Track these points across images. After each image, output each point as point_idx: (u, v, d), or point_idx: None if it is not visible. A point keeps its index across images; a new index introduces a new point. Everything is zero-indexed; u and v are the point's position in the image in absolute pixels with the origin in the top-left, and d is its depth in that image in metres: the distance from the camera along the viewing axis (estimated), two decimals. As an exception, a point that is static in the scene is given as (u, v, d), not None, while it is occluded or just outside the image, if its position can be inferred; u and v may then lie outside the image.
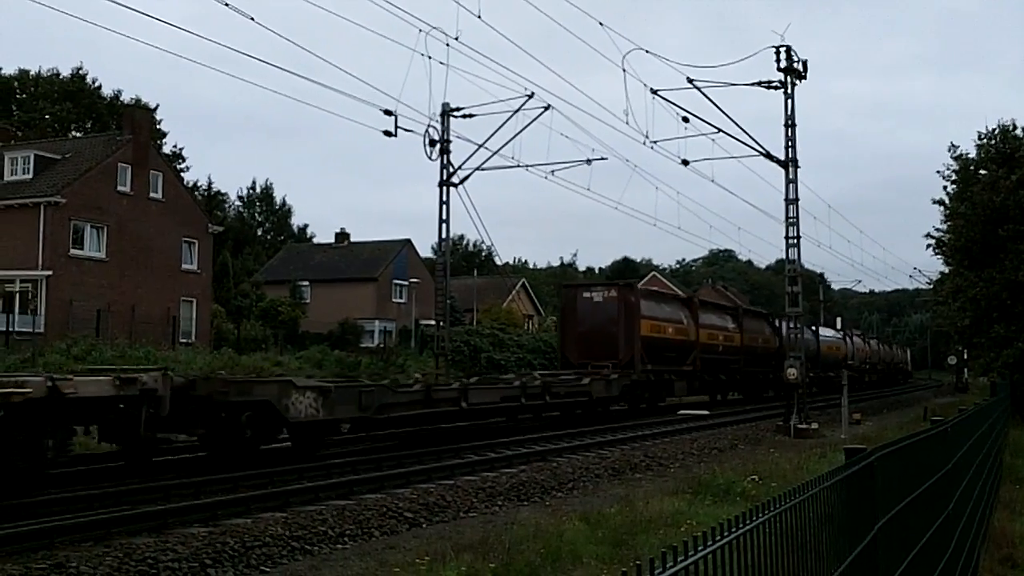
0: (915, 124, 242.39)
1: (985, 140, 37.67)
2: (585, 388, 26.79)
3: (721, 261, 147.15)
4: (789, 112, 29.38)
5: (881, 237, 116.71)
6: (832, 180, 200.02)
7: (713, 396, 41.59)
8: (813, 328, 53.28)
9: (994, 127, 37.65)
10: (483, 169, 32.15)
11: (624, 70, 27.91)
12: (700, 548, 2.81)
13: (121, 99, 70.46)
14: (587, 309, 31.65)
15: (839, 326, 73.20)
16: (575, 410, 27.57)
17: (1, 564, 8.75)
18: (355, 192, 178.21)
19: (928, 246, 41.36)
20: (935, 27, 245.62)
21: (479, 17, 24.55)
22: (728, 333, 40.03)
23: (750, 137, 29.80)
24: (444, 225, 32.41)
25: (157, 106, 71.18)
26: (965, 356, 64.15)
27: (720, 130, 29.69)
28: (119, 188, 44.06)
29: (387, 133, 27.73)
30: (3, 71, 71.43)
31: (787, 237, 29.74)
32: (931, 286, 57.06)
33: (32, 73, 71.17)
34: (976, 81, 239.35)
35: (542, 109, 30.93)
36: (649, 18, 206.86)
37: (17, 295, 40.29)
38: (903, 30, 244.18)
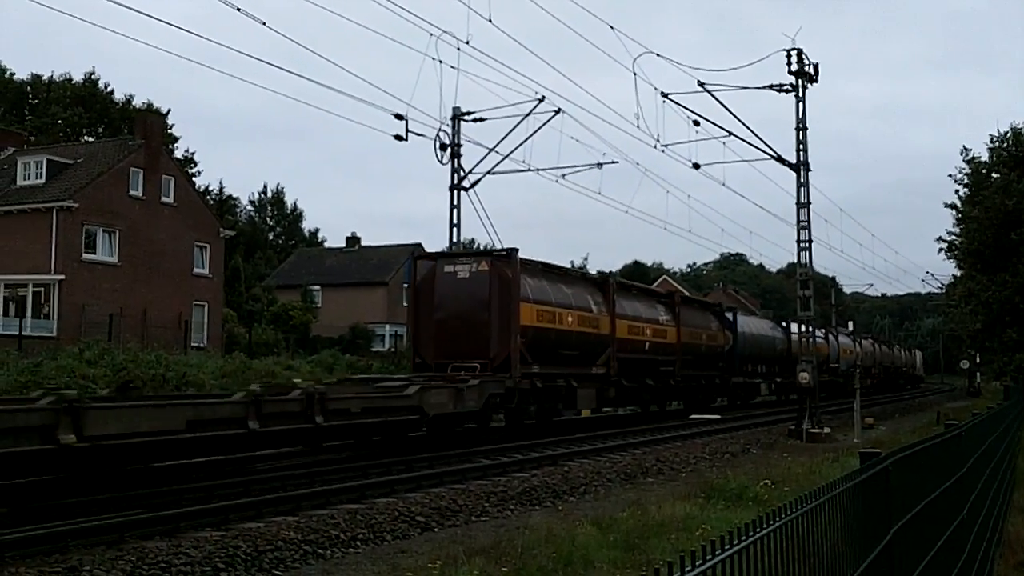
0: (922, 125, 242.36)
1: (997, 144, 37.62)
2: (409, 402, 18.04)
3: (732, 265, 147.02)
4: (800, 115, 29.37)
5: (891, 240, 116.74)
6: (840, 182, 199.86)
7: (646, 407, 33.23)
8: (784, 324, 47.18)
9: (1006, 130, 37.63)
10: (494, 173, 32.17)
11: (635, 74, 27.94)
12: (717, 552, 2.80)
13: (133, 104, 70.74)
14: (449, 288, 23.41)
15: (851, 328, 72.60)
16: (401, 433, 19.46)
17: (15, 568, 8.78)
18: (366, 196, 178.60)
19: (940, 250, 41.41)
20: (941, 27, 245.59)
21: (490, 21, 24.64)
22: (659, 326, 31.52)
23: (761, 140, 29.84)
24: (455, 229, 32.42)
25: (169, 111, 71.46)
26: (977, 360, 64.10)
27: (731, 133, 29.72)
28: (131, 193, 44.23)
29: (398, 137, 27.79)
30: (16, 76, 71.86)
31: (799, 241, 29.72)
32: (943, 290, 56.98)
33: (44, 78, 71.54)
34: (983, 81, 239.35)
35: (553, 113, 30.94)
36: (655, 21, 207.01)
37: None
38: (908, 31, 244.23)
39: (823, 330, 53.61)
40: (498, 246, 27.99)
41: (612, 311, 27.79)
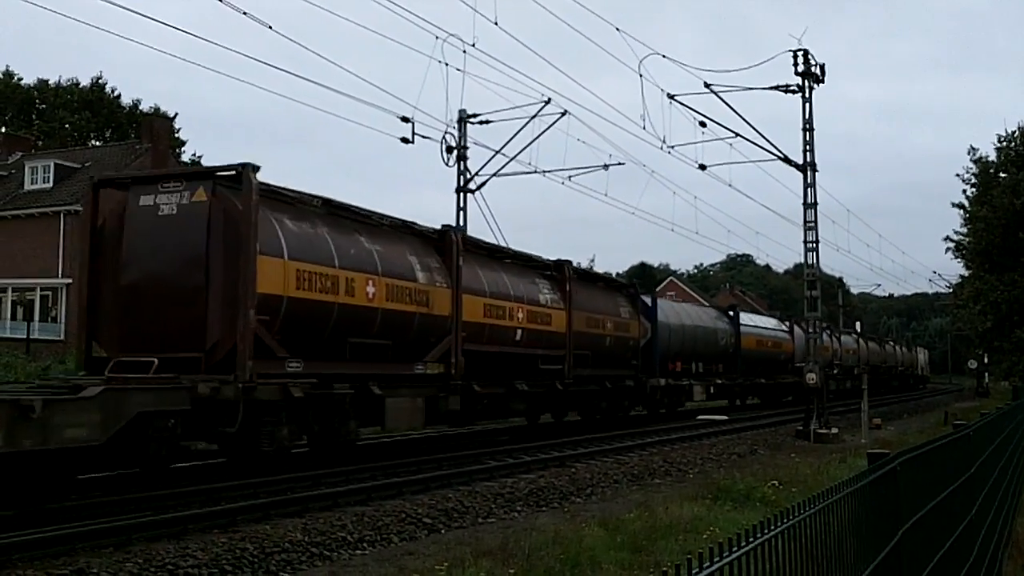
0: (926, 126, 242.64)
1: (1005, 143, 37.55)
2: None
3: (739, 266, 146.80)
4: (807, 116, 29.33)
5: (898, 240, 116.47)
6: (845, 183, 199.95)
7: (533, 419, 26.12)
8: (731, 314, 40.16)
9: (1014, 130, 37.57)
10: (500, 175, 32.16)
11: (641, 75, 27.89)
12: (725, 554, 2.79)
13: (140, 108, 70.88)
14: (145, 233, 14.91)
15: (858, 329, 72.13)
16: None
17: (23, 570, 8.79)
18: (372, 199, 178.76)
19: (947, 250, 41.40)
20: (945, 27, 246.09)
21: (496, 23, 24.62)
22: (539, 308, 22.81)
23: (768, 141, 29.77)
24: (461, 227, 32.42)
25: (176, 115, 71.62)
26: (986, 360, 63.97)
27: (737, 134, 29.66)
28: (138, 196, 44.28)
29: (405, 140, 27.78)
30: (24, 81, 72.07)
31: (806, 241, 29.67)
32: (951, 290, 56.86)
33: (52, 83, 71.72)
34: (988, 81, 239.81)
35: (559, 115, 30.90)
36: (658, 23, 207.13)
37: None
38: (912, 31, 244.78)
39: (787, 323, 47.11)
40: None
41: (456, 282, 19.28)
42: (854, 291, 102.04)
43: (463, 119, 31.86)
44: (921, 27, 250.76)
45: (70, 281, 40.70)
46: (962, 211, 40.22)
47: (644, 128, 29.99)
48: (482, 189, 32.05)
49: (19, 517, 10.56)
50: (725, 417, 33.24)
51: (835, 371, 46.57)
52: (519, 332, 21.96)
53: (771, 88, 29.25)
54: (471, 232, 29.75)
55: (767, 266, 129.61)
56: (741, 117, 39.16)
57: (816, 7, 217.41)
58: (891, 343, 75.24)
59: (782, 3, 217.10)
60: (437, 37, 27.79)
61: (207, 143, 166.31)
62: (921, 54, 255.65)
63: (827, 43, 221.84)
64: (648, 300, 31.58)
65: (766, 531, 3.14)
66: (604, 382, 26.95)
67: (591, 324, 25.82)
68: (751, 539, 3.01)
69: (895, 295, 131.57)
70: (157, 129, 47.86)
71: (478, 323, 20.28)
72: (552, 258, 25.09)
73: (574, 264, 25.67)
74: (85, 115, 68.25)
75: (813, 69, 29.04)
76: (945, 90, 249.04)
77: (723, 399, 40.97)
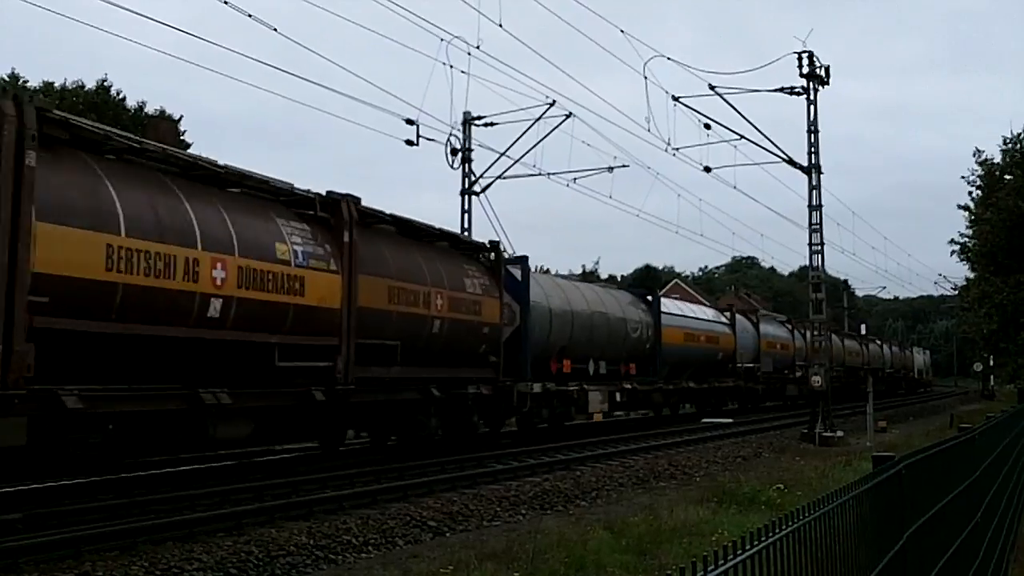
0: (929, 127, 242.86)
1: (1010, 145, 37.48)
2: None
3: (744, 268, 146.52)
4: (812, 118, 29.32)
5: (902, 242, 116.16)
6: (847, 185, 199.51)
7: (326, 444, 18.52)
8: (649, 299, 31.49)
9: (1019, 131, 37.50)
10: (505, 177, 32.12)
11: (645, 77, 27.92)
12: (729, 557, 2.79)
13: (145, 110, 70.88)
14: None
15: (863, 331, 71.83)
16: None
17: (29, 574, 8.81)
18: (376, 201, 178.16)
19: (953, 252, 41.25)
20: (943, 27, 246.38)
21: (500, 26, 24.61)
22: (275, 267, 13.60)
23: (772, 143, 29.74)
24: (466, 234, 32.41)
25: (181, 117, 71.53)
26: (991, 363, 63.78)
27: (742, 136, 29.66)
28: (143, 199, 44.31)
29: (409, 142, 27.77)
30: (29, 83, 72.15)
31: (811, 244, 29.63)
32: (956, 292, 56.70)
33: (57, 85, 71.74)
34: (990, 81, 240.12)
35: (563, 117, 30.85)
36: (659, 24, 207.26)
37: None
38: (910, 31, 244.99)
39: (727, 314, 39.12)
40: (509, 250, 23.19)
41: (13, 198, 9.97)
42: (859, 293, 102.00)
43: (467, 121, 31.85)
44: (919, 27, 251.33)
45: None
46: (967, 213, 40.16)
47: (649, 130, 30.09)
48: (487, 191, 32.04)
49: (25, 520, 10.57)
50: (730, 420, 33.24)
51: (797, 373, 40.20)
52: (216, 304, 12.60)
53: (776, 90, 29.27)
54: (475, 234, 29.59)
55: (772, 268, 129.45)
56: (746, 119, 39.14)
57: (816, 7, 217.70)
58: (877, 341, 69.49)
59: (783, 3, 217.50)
60: (441, 39, 27.77)
61: (210, 145, 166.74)
62: (921, 54, 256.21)
63: (828, 44, 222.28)
64: (517, 272, 22.43)
65: (771, 534, 3.14)
66: (430, 388, 18.07)
67: (402, 299, 17.04)
68: (757, 542, 3.01)
69: (900, 297, 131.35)
70: (163, 131, 47.93)
71: (92, 281, 10.79)
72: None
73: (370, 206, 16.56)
74: (91, 117, 68.19)
75: (818, 71, 29.05)
76: (946, 90, 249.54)
77: (638, 409, 32.14)
